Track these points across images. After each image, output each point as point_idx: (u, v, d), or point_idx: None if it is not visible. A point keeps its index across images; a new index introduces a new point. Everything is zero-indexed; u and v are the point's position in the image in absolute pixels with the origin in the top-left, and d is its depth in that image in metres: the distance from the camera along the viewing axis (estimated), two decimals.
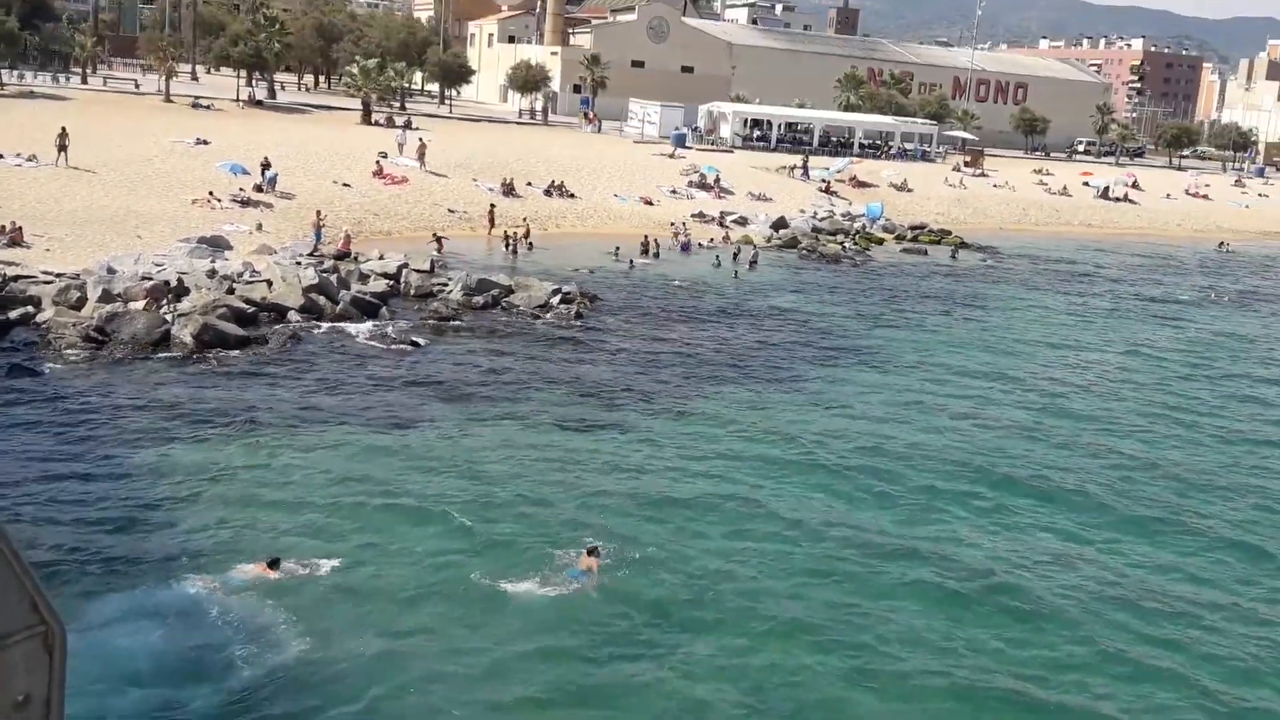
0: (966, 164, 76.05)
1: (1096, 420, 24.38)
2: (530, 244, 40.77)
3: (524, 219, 43.41)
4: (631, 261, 39.23)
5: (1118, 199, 72.41)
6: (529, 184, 49.85)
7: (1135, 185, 76.14)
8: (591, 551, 14.99)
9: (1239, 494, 20.21)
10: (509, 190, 48.03)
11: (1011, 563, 16.34)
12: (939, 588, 15.29)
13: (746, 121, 77.79)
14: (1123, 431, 23.62)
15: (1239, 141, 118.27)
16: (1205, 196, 77.80)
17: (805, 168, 64.08)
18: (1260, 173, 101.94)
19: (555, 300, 30.64)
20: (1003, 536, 17.45)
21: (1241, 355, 33.42)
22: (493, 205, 44.26)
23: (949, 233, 54.83)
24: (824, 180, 61.82)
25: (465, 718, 11.75)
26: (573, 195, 50.07)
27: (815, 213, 54.65)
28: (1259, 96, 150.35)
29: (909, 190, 64.59)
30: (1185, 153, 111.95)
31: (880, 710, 12.45)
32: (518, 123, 76.40)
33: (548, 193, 49.55)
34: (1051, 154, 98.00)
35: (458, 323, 28.34)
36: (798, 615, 14.26)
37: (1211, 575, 16.57)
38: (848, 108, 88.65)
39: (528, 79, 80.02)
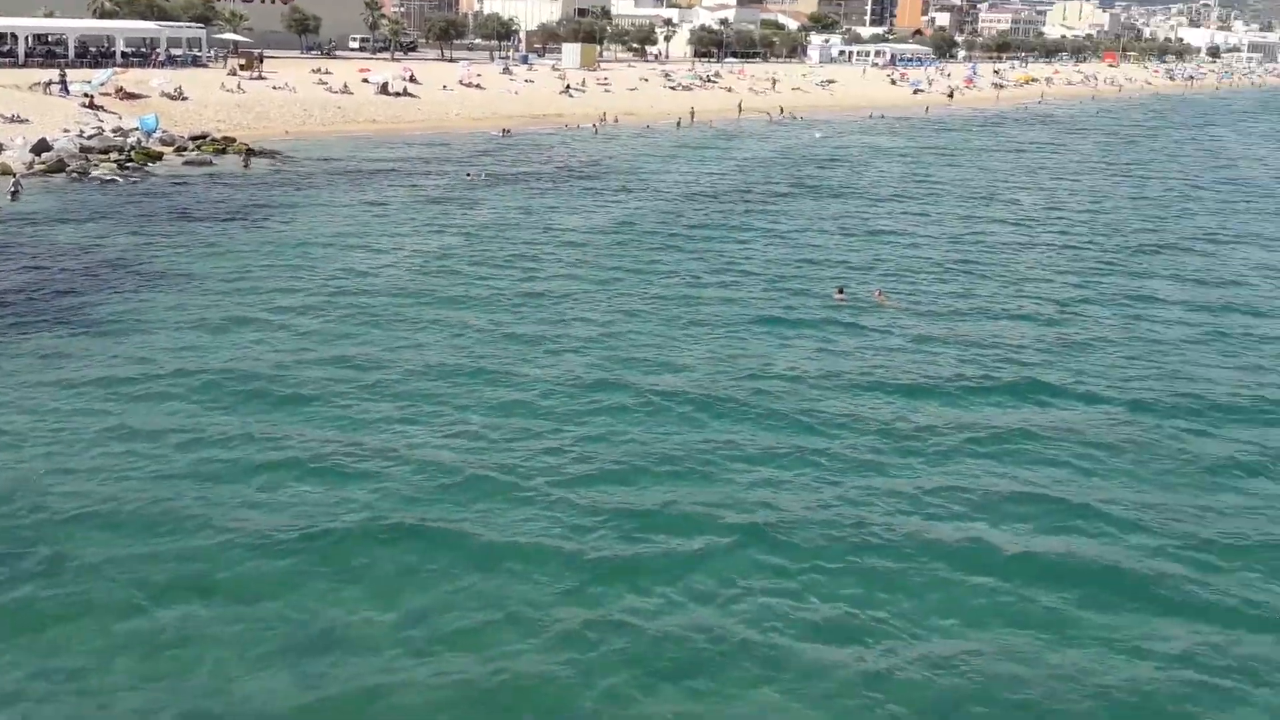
0: (242, 67, 75.42)
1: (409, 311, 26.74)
2: None
3: None
4: None
5: (398, 94, 76.89)
6: None
7: (413, 79, 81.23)
8: None
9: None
10: None
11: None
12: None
13: None
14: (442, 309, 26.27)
15: (502, 31, 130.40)
16: (479, 86, 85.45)
17: (64, 83, 59.58)
18: (525, 60, 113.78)
19: None
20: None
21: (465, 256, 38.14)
22: None
23: (234, 140, 54.66)
24: (86, 95, 57.91)
25: None
26: None
27: (81, 131, 51.23)
28: None
29: (184, 99, 62.83)
30: (457, 44, 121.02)
31: None
32: None
33: None
34: (335, 53, 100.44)
35: None
36: None
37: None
38: (104, 15, 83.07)
39: None
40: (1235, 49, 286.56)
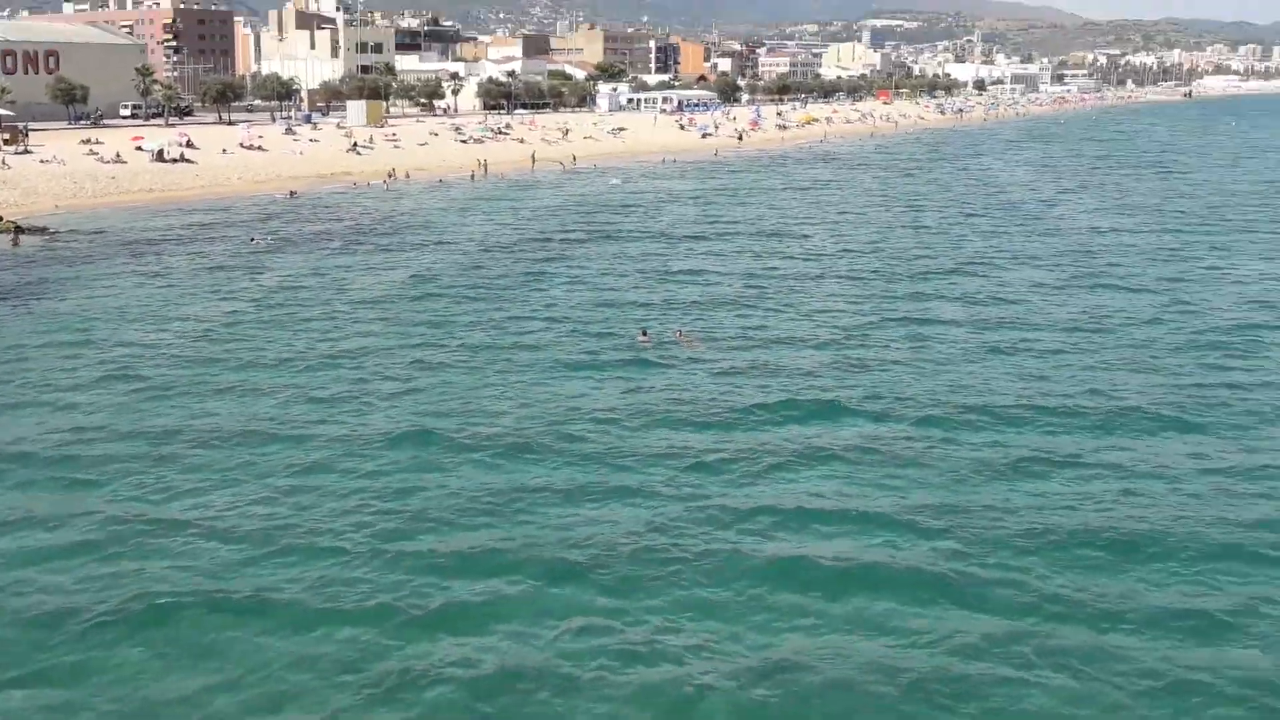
0: (6, 142, 72.00)
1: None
2: None
3: None
4: None
5: (174, 160, 74.62)
6: None
7: (190, 144, 79.00)
8: None
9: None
10: None
11: None
12: None
13: None
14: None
15: (282, 91, 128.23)
16: (261, 148, 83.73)
17: None
18: (308, 119, 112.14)
19: None
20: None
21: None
22: None
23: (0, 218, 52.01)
24: None
25: None
26: None
27: None
28: (293, 46, 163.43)
29: None
30: (236, 106, 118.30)
31: None
32: None
33: None
34: (105, 122, 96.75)
35: None
36: None
37: None
38: None
39: None
40: (999, 81, 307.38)
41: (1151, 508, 18.53)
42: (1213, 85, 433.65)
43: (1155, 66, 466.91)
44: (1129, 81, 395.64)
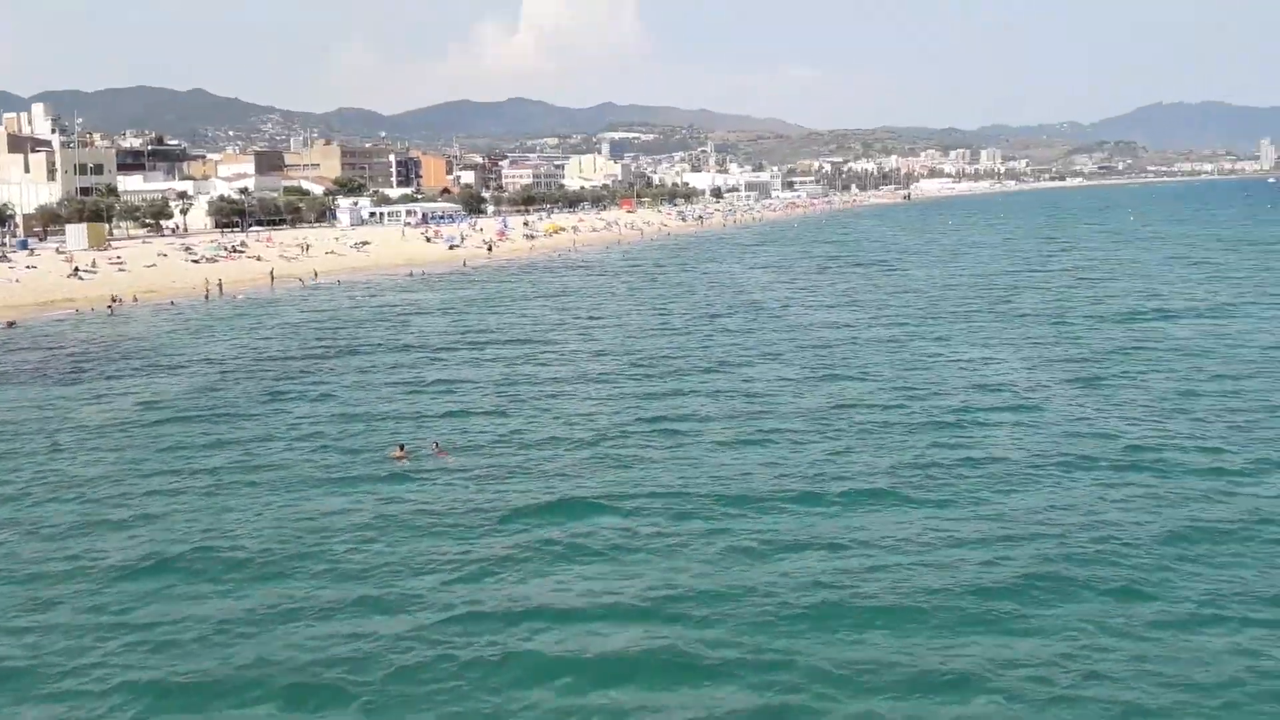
0: None
1: None
2: None
3: None
4: None
5: None
6: None
7: None
8: None
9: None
10: None
11: None
12: None
13: None
14: None
15: None
16: None
17: None
18: (24, 245, 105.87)
19: None
20: None
21: None
22: None
23: None
24: None
25: None
26: None
27: None
28: (5, 170, 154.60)
29: None
30: None
31: None
32: None
33: None
34: None
35: None
36: None
37: None
38: None
39: None
40: (735, 189, 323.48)
41: (898, 577, 19.78)
42: (929, 187, 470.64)
43: (876, 171, 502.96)
44: (853, 186, 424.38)
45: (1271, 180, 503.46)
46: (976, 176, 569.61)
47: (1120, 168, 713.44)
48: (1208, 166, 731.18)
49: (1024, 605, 18.57)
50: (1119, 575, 19.92)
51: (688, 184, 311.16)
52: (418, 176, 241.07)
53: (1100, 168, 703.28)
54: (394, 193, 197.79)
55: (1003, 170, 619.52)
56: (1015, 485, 25.65)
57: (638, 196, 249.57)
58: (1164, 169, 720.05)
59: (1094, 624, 17.82)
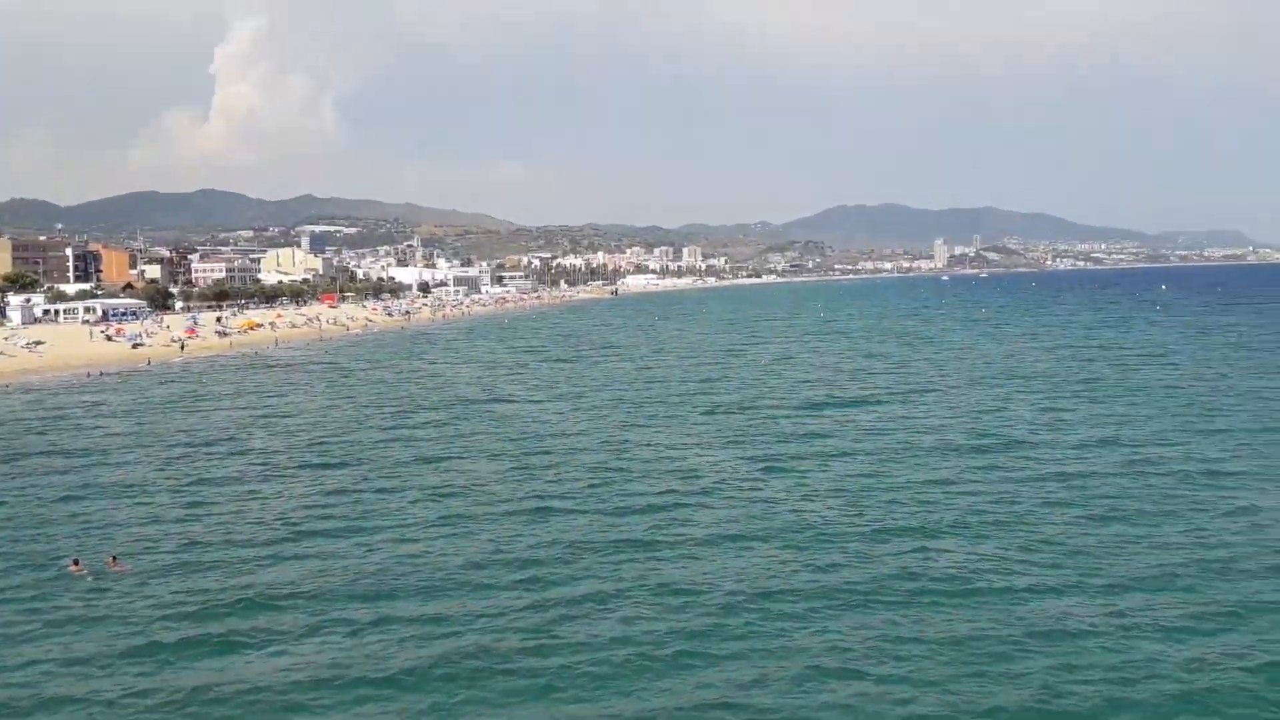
0: None
1: None
2: None
3: None
4: None
5: None
6: None
7: None
8: None
9: None
10: None
11: None
12: None
13: None
14: None
15: None
16: None
17: None
18: None
19: None
20: None
21: None
22: None
23: None
24: None
25: None
26: None
27: None
28: None
29: None
30: None
31: None
32: None
33: None
34: None
35: None
36: None
37: None
38: None
39: None
40: (443, 284, 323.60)
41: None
42: (635, 283, 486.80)
43: (584, 267, 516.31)
44: (562, 281, 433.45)
45: (944, 279, 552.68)
46: (680, 273, 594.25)
47: (810, 265, 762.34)
48: (888, 265, 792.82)
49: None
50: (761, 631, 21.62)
51: (393, 278, 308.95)
52: (98, 271, 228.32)
53: (792, 265, 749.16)
54: (71, 288, 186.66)
55: (704, 267, 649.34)
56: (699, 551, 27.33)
57: (341, 291, 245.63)
58: (849, 267, 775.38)
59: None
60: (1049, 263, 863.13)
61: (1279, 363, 77.05)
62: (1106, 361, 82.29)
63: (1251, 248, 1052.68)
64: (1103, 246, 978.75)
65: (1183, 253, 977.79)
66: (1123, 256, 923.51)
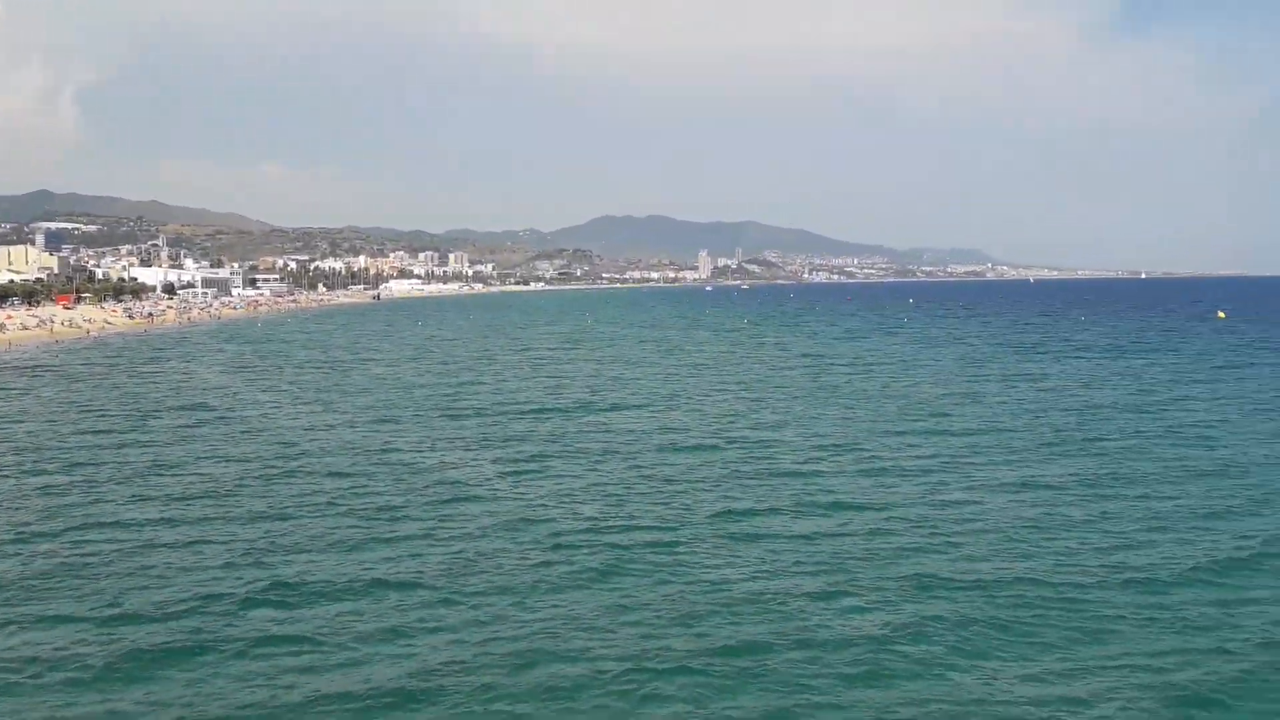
0: None
1: None
2: None
3: None
4: None
5: None
6: None
7: None
8: None
9: None
10: None
11: None
12: None
13: None
14: None
15: None
16: None
17: None
18: None
19: None
20: None
21: None
22: None
23: None
24: None
25: None
26: None
27: None
28: None
29: None
30: None
31: None
32: None
33: None
34: None
35: None
36: None
37: None
38: None
39: None
40: (190, 285, 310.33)
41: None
42: (399, 288, 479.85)
43: (344, 271, 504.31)
44: (320, 285, 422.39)
45: (708, 289, 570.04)
46: (446, 279, 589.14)
47: (578, 273, 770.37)
48: (654, 275, 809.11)
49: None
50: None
51: (135, 279, 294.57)
52: None
53: (560, 273, 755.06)
54: None
55: (470, 273, 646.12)
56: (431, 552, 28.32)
57: (78, 292, 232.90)
58: (617, 275, 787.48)
59: None
60: (806, 275, 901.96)
61: (1005, 372, 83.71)
62: (849, 368, 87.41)
63: (990, 264, 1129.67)
64: (855, 261, 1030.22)
65: (928, 268, 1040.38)
66: (873, 271, 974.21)
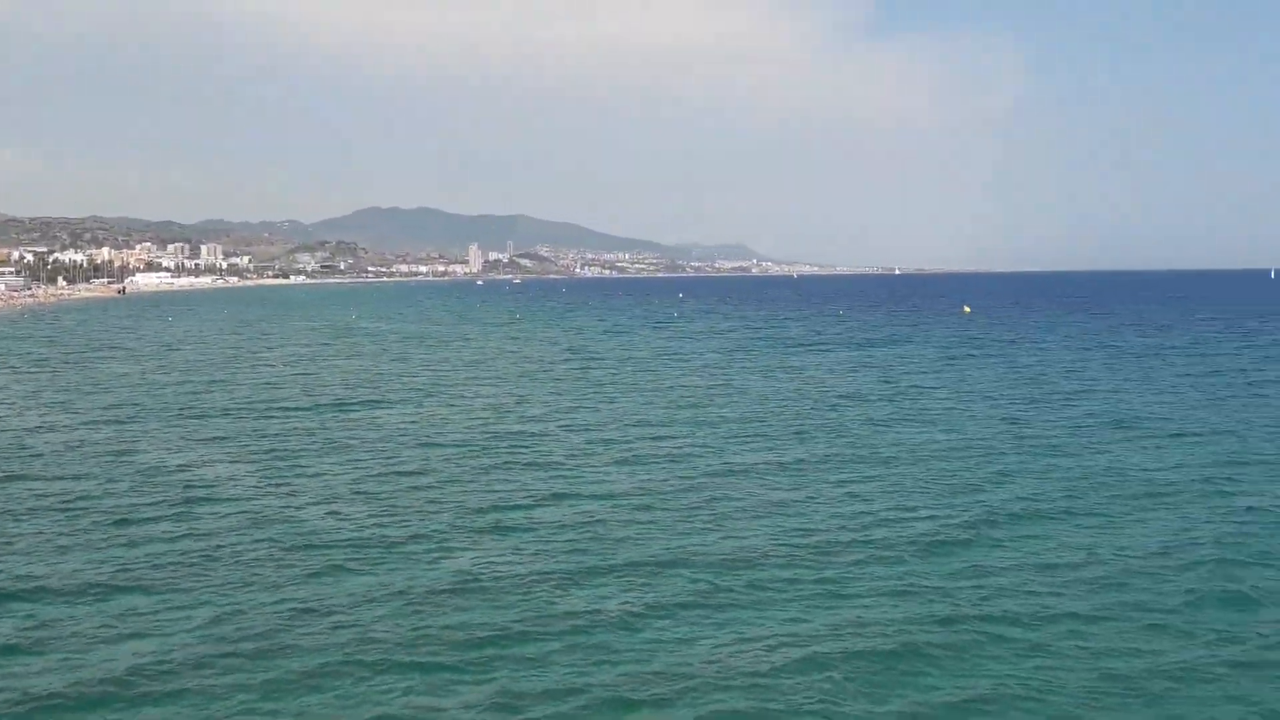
0: None
1: None
2: None
3: None
4: None
5: None
6: None
7: None
8: None
9: None
10: None
11: None
12: None
13: None
14: None
15: None
16: None
17: None
18: None
19: None
20: None
21: None
22: None
23: None
24: None
25: None
26: None
27: None
28: None
29: None
30: None
31: None
32: None
33: None
34: None
35: None
36: None
37: None
38: None
39: None
40: None
41: None
42: (147, 282, 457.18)
43: (87, 263, 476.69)
44: (60, 279, 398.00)
45: (479, 284, 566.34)
46: (198, 271, 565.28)
47: (343, 266, 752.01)
48: (423, 269, 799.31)
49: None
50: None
51: None
52: None
53: (323, 266, 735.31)
54: None
55: (225, 266, 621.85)
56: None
57: None
58: (384, 269, 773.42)
59: None
60: (578, 270, 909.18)
61: (764, 364, 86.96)
62: (616, 363, 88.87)
63: (755, 260, 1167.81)
64: (626, 256, 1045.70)
65: (697, 264, 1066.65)
66: (644, 266, 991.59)
